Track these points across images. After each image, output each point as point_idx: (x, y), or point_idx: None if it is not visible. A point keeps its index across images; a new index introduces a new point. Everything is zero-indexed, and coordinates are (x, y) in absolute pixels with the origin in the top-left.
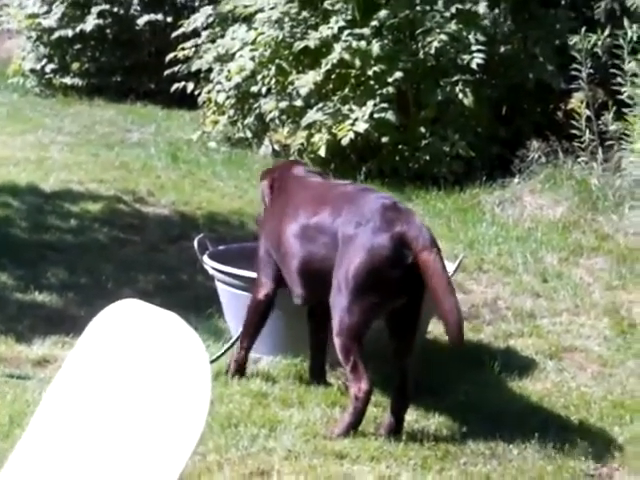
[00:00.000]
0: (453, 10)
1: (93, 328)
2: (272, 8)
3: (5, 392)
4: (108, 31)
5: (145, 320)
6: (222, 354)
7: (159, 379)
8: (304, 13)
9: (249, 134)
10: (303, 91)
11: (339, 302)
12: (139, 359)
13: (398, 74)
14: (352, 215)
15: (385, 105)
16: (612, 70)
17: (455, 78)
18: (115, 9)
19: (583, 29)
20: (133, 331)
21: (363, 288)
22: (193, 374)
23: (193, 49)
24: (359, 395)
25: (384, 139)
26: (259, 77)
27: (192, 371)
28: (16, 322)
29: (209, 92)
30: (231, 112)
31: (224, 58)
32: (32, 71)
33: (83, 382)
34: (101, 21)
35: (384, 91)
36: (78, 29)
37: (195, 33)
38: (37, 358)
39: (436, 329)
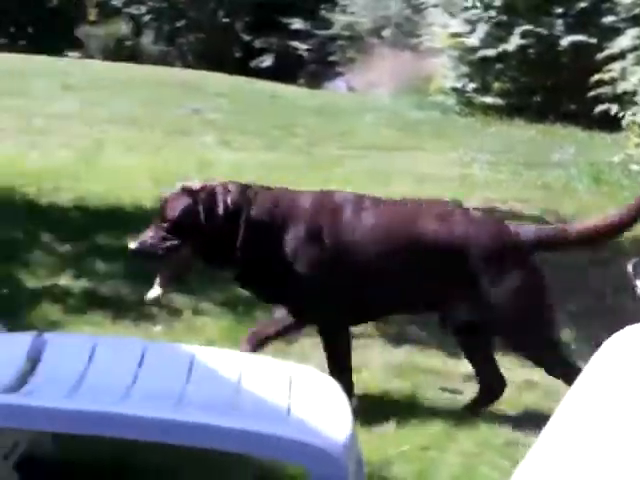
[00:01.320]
0: None
1: (606, 350)
2: None
3: (439, 405)
4: (530, 51)
5: None
6: None
7: None
8: None
9: None
10: None
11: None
12: None
13: None
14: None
15: None
16: None
17: None
18: (539, 29)
19: None
20: None
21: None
22: None
23: (618, 71)
24: None
25: None
26: None
27: None
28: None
29: (633, 114)
30: None
31: None
32: (453, 89)
33: (600, 402)
34: (524, 41)
35: None
36: (500, 49)
37: (621, 55)
38: (467, 373)
39: None
